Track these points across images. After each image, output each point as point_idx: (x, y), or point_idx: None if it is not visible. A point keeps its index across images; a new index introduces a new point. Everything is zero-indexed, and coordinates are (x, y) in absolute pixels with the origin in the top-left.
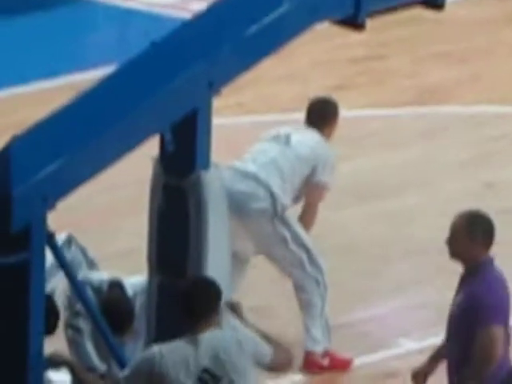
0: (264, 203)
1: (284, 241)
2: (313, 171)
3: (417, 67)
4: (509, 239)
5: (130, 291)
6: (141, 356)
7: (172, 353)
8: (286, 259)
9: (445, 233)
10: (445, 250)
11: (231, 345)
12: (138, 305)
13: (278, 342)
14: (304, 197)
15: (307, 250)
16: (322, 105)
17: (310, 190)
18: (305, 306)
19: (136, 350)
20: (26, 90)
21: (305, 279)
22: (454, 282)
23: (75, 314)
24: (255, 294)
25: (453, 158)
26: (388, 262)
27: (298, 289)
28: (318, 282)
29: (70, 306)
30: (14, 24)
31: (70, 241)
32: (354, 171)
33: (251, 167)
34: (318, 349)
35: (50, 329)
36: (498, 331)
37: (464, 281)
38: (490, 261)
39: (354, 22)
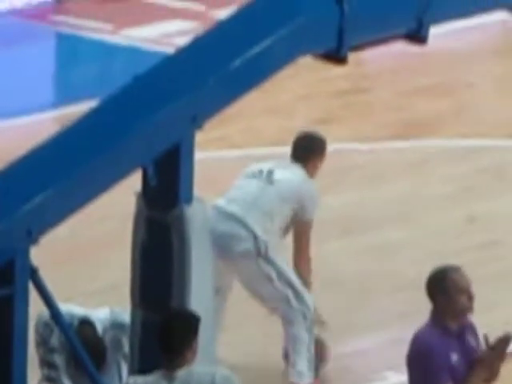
0: (247, 244)
1: (269, 279)
2: (296, 212)
3: (400, 100)
4: (492, 271)
5: (99, 327)
6: None
7: None
8: (272, 296)
9: (428, 267)
10: None
11: None
12: (108, 340)
13: None
14: (293, 234)
15: (293, 287)
16: (308, 140)
17: (296, 228)
18: (292, 340)
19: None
20: (9, 124)
21: (291, 314)
22: None
23: (50, 350)
24: (235, 329)
25: (436, 191)
26: (372, 296)
27: (286, 323)
28: (304, 316)
29: (43, 342)
30: None
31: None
32: (337, 205)
33: (232, 207)
34: (303, 383)
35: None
36: None
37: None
38: None
39: (336, 56)
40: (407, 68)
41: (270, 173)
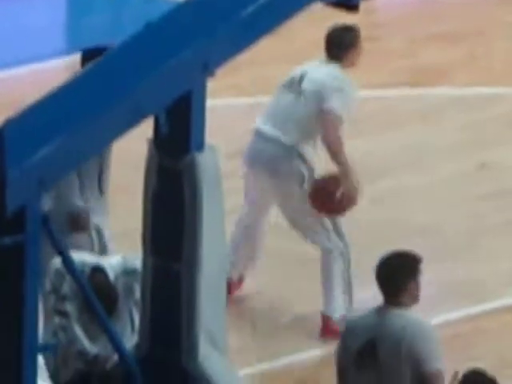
0: (292, 165)
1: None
2: (321, 101)
3: (411, 48)
4: (502, 220)
5: (111, 274)
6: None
7: (363, 318)
8: (313, 226)
9: (440, 214)
10: (441, 230)
11: (403, 335)
12: (120, 287)
13: None
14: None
15: (335, 223)
16: (338, 33)
17: (321, 121)
18: (326, 271)
19: (119, 330)
20: (20, 71)
21: (330, 243)
22: (452, 262)
23: (61, 298)
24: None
25: (447, 139)
26: (384, 243)
27: (323, 254)
28: (342, 254)
29: (54, 291)
30: (9, 5)
31: None
32: (349, 153)
33: (268, 128)
34: (336, 315)
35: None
36: None
37: None
38: None
39: (348, 4)
40: (418, 16)
41: (301, 80)
